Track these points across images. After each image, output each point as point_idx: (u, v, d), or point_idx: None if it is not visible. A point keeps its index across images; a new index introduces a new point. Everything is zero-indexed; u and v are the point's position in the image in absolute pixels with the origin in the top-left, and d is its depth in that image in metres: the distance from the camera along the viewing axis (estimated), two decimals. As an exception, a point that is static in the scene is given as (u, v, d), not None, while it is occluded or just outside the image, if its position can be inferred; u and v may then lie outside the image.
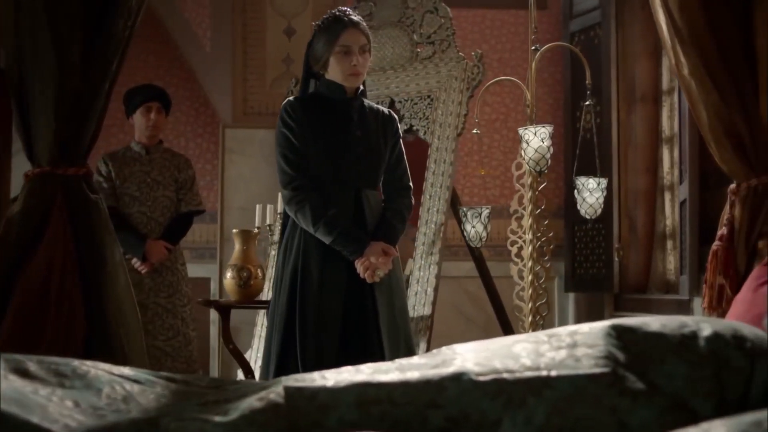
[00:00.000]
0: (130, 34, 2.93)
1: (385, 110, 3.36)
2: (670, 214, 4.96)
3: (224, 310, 4.21)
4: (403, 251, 3.70)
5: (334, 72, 3.19)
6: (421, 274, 4.33)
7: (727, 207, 3.19)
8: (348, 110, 3.22)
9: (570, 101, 5.12)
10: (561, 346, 1.87)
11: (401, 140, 3.39)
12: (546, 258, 3.92)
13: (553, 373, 1.75)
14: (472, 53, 4.50)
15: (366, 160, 3.21)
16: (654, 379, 1.81)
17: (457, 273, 5.56)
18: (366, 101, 3.31)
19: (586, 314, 5.37)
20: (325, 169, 3.16)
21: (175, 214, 4.56)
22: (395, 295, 3.21)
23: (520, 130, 3.68)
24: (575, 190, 3.87)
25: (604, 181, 3.86)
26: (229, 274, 4.12)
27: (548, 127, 3.65)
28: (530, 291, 3.86)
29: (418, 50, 4.73)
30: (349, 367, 1.88)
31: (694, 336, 1.90)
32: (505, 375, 1.74)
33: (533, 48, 3.77)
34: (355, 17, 3.23)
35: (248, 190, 5.59)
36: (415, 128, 4.59)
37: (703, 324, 1.96)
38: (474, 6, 5.84)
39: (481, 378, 1.73)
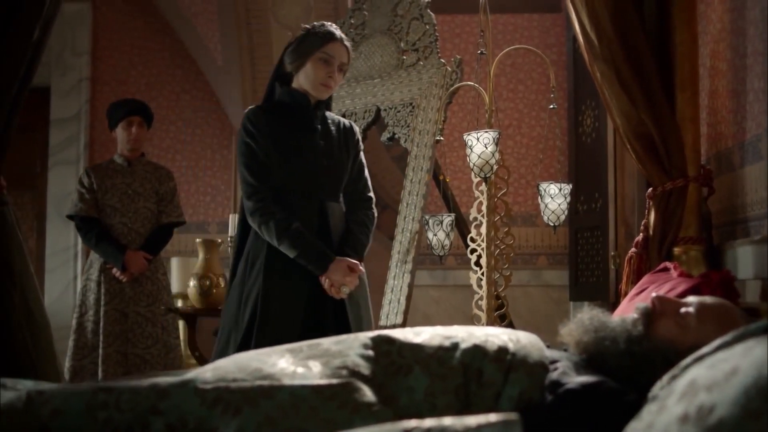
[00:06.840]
0: (42, 39, 2.95)
1: (347, 122, 3.28)
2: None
3: (190, 318, 4.29)
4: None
5: (305, 76, 3.11)
6: (395, 282, 4.28)
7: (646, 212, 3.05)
8: (311, 120, 3.14)
9: (573, 106, 4.96)
10: (313, 356, 1.85)
11: (363, 152, 3.31)
12: (506, 266, 3.83)
13: (284, 382, 1.73)
14: (452, 59, 4.43)
15: (329, 171, 3.13)
16: (395, 392, 1.77)
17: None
18: (327, 113, 3.24)
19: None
20: (288, 179, 3.07)
21: (156, 226, 4.67)
22: (362, 309, 3.15)
23: (465, 136, 3.61)
24: (539, 197, 3.77)
25: (567, 187, 3.74)
26: (192, 283, 4.20)
27: (492, 133, 3.56)
28: (486, 300, 3.78)
29: (404, 57, 4.67)
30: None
31: (453, 348, 1.84)
32: (231, 384, 1.73)
33: (479, 52, 3.69)
34: (346, 38, 3.18)
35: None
36: (397, 136, 4.53)
37: (476, 336, 1.89)
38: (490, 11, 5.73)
39: (205, 386, 1.73)
